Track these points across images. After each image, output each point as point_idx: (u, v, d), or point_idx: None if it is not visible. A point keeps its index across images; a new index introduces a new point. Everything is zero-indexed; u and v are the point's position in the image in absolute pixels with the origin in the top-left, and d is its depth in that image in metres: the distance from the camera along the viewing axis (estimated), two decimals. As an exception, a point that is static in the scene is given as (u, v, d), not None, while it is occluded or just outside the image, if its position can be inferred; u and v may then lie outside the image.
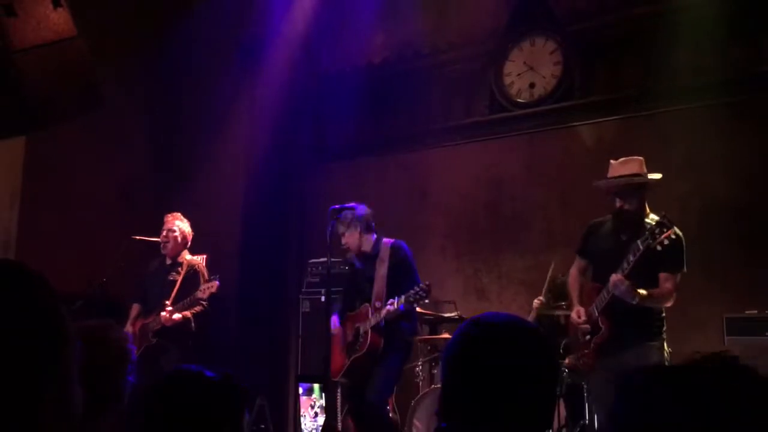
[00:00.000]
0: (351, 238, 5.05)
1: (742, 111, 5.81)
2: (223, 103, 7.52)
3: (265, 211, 7.60)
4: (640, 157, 4.15)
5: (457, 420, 1.51)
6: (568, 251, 4.54)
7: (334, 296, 5.14)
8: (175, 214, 5.87)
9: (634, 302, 3.85)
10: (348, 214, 5.01)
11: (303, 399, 6.55)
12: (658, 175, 4.12)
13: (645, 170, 4.11)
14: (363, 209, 5.08)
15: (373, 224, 5.11)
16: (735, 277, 5.57)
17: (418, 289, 4.68)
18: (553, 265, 5.63)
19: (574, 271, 4.45)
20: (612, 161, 4.20)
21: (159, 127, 7.94)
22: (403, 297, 4.70)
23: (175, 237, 5.75)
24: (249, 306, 7.27)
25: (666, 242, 3.74)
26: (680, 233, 3.96)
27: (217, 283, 5.42)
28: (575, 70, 6.44)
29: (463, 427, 1.49)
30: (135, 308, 5.82)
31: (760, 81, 5.74)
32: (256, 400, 6.33)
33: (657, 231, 3.74)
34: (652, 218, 4.04)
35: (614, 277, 3.86)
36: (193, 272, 5.68)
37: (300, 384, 6.59)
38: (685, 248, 4.00)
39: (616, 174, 4.13)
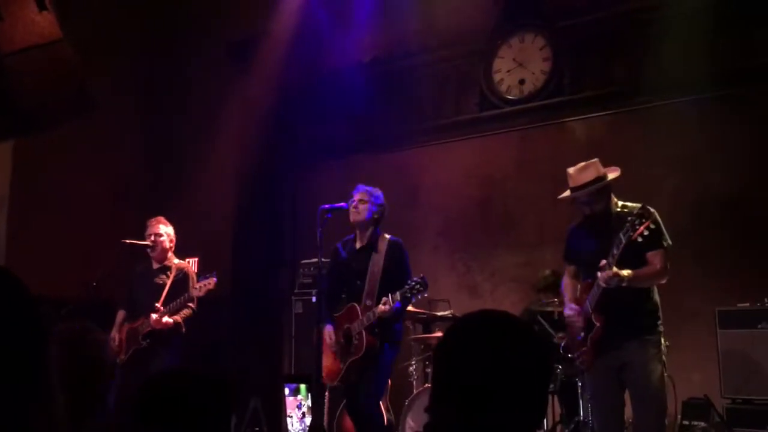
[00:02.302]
0: (360, 207, 4.84)
1: (733, 104, 5.82)
2: (214, 103, 7.51)
3: (257, 210, 7.59)
4: (596, 159, 4.11)
5: (443, 414, 1.48)
6: (561, 247, 4.52)
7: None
8: (158, 218, 5.79)
9: (623, 284, 3.84)
10: (376, 193, 4.90)
11: (289, 400, 6.48)
12: (616, 172, 4.09)
13: (602, 170, 4.07)
14: (384, 202, 4.96)
15: (380, 219, 4.94)
16: (727, 270, 5.58)
17: (413, 283, 4.48)
18: None
19: (566, 278, 4.43)
20: (569, 170, 4.14)
21: (151, 128, 7.92)
22: (398, 293, 4.49)
23: (163, 242, 5.70)
24: (241, 307, 7.25)
25: (646, 233, 3.75)
26: (654, 212, 3.93)
27: (214, 279, 5.34)
28: (565, 66, 6.44)
29: (448, 422, 1.47)
30: (120, 314, 5.70)
31: (750, 74, 5.75)
32: (251, 402, 6.30)
33: (636, 223, 3.74)
34: (622, 205, 4.07)
35: (602, 275, 3.86)
36: (183, 275, 5.63)
37: (286, 384, 6.52)
38: (662, 223, 3.98)
39: (578, 183, 4.08)
